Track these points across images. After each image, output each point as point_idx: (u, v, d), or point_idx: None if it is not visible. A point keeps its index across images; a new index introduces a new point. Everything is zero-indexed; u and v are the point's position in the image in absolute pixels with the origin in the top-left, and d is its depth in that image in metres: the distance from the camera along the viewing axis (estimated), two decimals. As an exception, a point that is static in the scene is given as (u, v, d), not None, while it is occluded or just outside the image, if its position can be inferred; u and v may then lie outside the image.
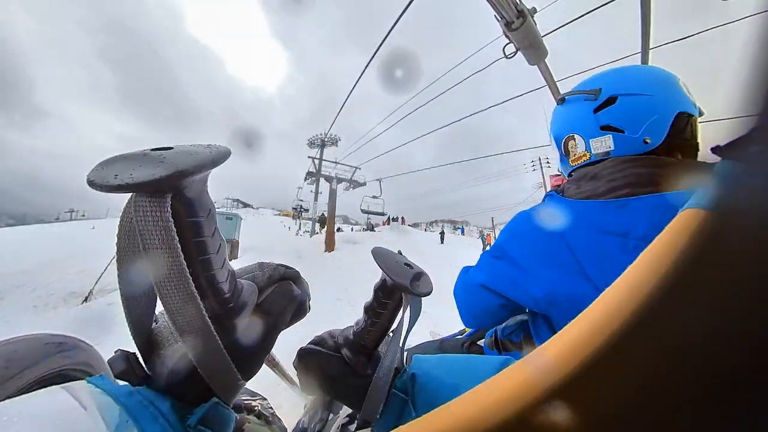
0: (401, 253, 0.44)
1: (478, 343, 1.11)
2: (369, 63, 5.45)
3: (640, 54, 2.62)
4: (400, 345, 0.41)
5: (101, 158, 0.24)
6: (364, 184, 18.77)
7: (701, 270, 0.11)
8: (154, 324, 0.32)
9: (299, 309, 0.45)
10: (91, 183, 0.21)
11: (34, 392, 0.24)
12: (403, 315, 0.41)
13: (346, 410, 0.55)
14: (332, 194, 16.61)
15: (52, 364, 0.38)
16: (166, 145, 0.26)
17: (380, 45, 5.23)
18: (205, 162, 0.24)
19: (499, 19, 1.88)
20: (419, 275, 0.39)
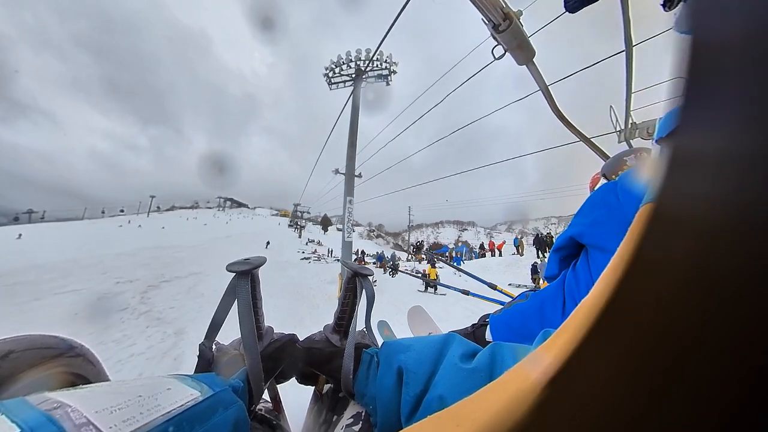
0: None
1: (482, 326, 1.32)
2: (368, 64, 5.49)
3: (624, 52, 2.69)
4: (365, 318, 0.60)
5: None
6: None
7: (648, 261, 0.11)
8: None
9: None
10: (228, 267, 0.47)
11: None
12: (361, 296, 0.57)
13: (350, 411, 0.55)
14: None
15: (50, 367, 0.38)
16: (247, 257, 0.52)
17: (377, 48, 5.27)
18: (261, 262, 0.52)
19: (487, 22, 1.91)
20: (366, 268, 0.60)
